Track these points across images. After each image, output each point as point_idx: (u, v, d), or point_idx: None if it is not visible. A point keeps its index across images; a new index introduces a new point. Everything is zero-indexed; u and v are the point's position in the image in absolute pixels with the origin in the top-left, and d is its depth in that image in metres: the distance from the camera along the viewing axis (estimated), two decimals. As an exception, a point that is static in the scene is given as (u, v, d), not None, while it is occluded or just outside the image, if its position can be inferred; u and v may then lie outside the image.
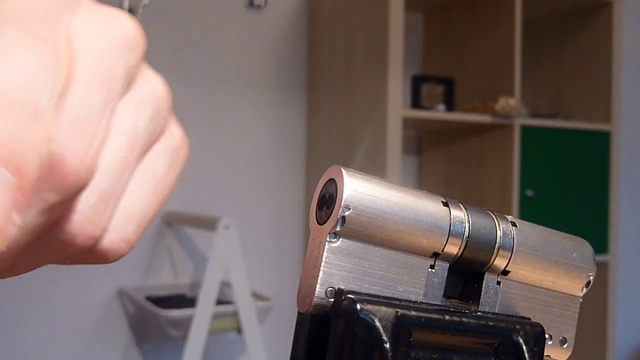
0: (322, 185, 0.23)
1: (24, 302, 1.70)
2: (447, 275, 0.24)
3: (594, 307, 2.12)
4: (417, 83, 2.02)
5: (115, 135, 0.17)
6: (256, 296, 1.69)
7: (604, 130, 2.11)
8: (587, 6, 2.16)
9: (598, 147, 2.12)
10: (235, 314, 1.59)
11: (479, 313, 0.24)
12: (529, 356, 0.23)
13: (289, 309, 1.91)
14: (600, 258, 2.04)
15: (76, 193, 0.16)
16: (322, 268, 0.21)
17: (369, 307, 0.21)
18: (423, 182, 2.21)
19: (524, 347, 0.23)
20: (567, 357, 0.27)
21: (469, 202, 0.24)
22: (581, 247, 0.27)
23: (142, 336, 1.85)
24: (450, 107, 2.01)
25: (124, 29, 0.17)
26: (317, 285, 0.21)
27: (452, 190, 2.09)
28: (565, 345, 0.27)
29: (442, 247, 0.23)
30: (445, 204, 0.23)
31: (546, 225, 0.27)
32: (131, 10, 1.75)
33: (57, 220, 0.17)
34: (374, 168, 1.71)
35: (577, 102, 2.22)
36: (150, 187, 0.19)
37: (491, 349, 0.23)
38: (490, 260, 0.24)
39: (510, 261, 0.25)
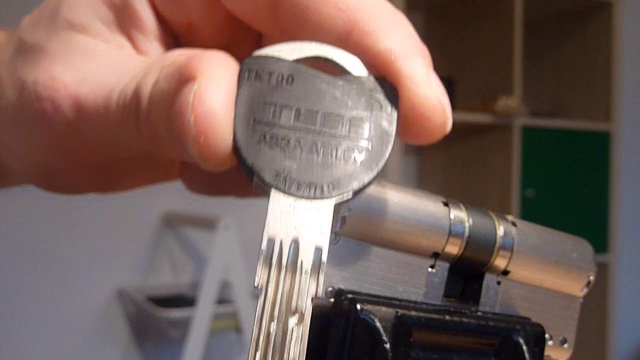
0: (322, 186, 0.22)
1: (24, 302, 1.70)
2: (447, 275, 0.24)
3: (594, 307, 2.11)
4: (417, 83, 2.01)
5: None
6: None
7: (604, 130, 2.11)
8: (587, 6, 2.16)
9: (598, 147, 2.12)
10: (235, 314, 1.59)
11: (479, 313, 0.24)
12: (530, 356, 0.23)
13: (289, 309, 1.90)
14: (600, 258, 2.03)
15: None
16: (322, 268, 0.21)
17: (369, 307, 0.21)
18: (423, 183, 2.21)
19: (525, 347, 0.23)
20: (567, 357, 0.27)
21: (469, 202, 0.24)
22: (581, 247, 0.27)
23: (142, 336, 1.85)
24: (450, 107, 2.01)
25: None
26: (318, 285, 0.21)
27: (452, 191, 2.08)
28: (565, 346, 0.27)
29: (443, 247, 0.23)
30: (446, 204, 0.23)
31: (546, 225, 0.26)
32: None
33: None
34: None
35: (577, 102, 2.22)
36: None
37: (491, 349, 0.23)
38: (490, 260, 0.24)
39: (511, 261, 0.25)
